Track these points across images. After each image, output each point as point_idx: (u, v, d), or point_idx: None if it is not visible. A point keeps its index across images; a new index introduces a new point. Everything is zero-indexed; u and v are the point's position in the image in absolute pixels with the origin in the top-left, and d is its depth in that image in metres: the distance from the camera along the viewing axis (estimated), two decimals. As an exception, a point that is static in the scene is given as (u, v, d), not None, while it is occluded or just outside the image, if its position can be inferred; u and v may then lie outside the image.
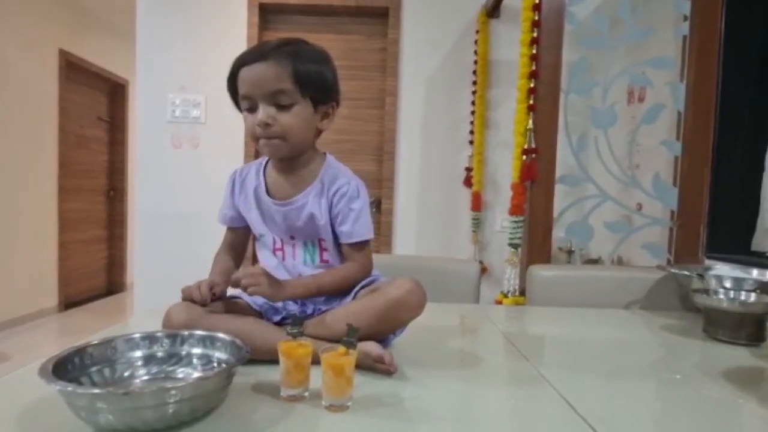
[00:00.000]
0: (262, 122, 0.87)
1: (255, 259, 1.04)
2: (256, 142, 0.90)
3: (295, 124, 0.88)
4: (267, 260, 0.98)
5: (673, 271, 1.46)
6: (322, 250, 0.96)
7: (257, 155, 2.94)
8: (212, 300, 0.86)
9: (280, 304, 0.93)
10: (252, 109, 0.89)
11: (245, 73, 0.88)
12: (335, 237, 0.95)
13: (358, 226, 0.92)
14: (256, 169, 1.00)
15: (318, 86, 0.90)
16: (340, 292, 0.92)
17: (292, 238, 0.96)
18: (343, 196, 0.92)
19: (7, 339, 3.60)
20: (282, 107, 0.87)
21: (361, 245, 0.94)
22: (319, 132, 0.96)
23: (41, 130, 4.12)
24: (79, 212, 4.64)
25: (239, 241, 1.05)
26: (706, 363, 1.01)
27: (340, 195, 0.93)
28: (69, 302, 4.51)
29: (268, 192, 0.96)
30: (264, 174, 0.98)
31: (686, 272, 1.40)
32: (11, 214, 3.84)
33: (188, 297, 0.83)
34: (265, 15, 3.01)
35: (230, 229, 1.04)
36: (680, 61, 1.99)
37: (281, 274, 0.95)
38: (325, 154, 0.98)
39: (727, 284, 1.26)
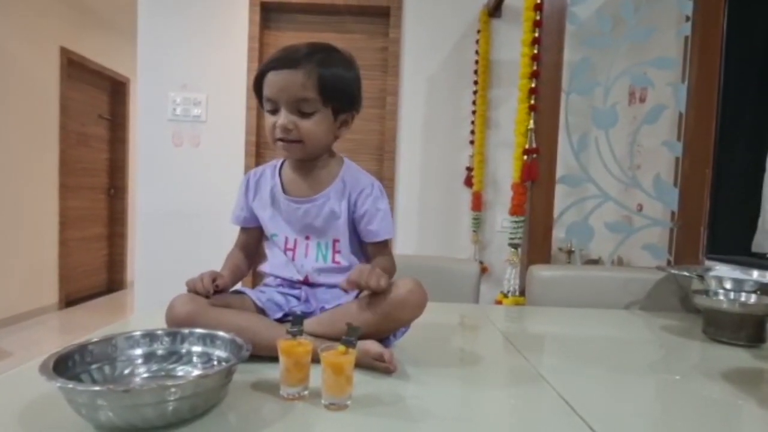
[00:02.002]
0: (283, 127, 0.89)
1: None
2: (275, 143, 0.93)
3: (315, 131, 0.91)
4: (276, 259, 1.00)
5: (673, 272, 1.46)
6: (335, 251, 0.97)
7: (258, 154, 2.95)
8: (215, 292, 0.87)
9: (283, 301, 0.94)
10: (274, 112, 0.91)
11: (273, 77, 0.89)
12: (350, 238, 0.98)
13: (384, 225, 0.97)
14: (271, 170, 1.02)
15: (341, 96, 0.93)
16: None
17: (307, 238, 0.98)
18: (369, 197, 0.96)
19: (8, 336, 3.61)
20: (304, 114, 0.90)
21: (386, 243, 0.99)
22: (336, 139, 0.99)
23: (42, 127, 4.12)
24: (79, 210, 4.64)
25: (251, 242, 1.06)
26: (706, 364, 1.02)
27: (365, 196, 0.96)
28: (69, 300, 4.52)
29: (285, 192, 0.98)
30: (280, 175, 1.00)
31: (686, 273, 1.39)
32: (12, 212, 3.84)
33: (192, 288, 0.85)
34: (267, 14, 3.01)
35: (243, 229, 1.06)
36: (682, 61, 1.99)
37: (290, 273, 0.96)
38: (342, 157, 1.02)
39: (727, 285, 1.26)
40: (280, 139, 0.91)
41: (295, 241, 0.98)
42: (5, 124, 3.75)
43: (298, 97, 0.88)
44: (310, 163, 0.97)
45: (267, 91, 0.90)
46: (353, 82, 0.96)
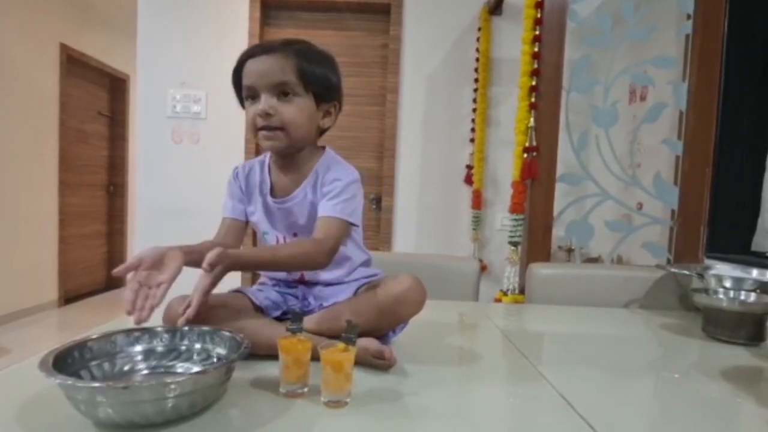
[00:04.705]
0: (263, 111, 0.87)
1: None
2: (256, 134, 0.91)
3: (296, 116, 0.89)
4: None
5: (672, 270, 1.46)
6: None
7: (258, 151, 2.94)
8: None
9: (280, 299, 0.94)
10: (254, 99, 0.90)
11: (251, 64, 0.89)
12: None
13: (331, 204, 0.89)
14: (259, 165, 1.00)
15: (321, 83, 0.92)
16: (297, 269, 0.91)
17: (295, 235, 0.96)
18: (330, 179, 0.91)
19: (7, 333, 3.61)
20: (284, 99, 0.89)
21: (329, 222, 0.88)
22: (320, 130, 0.97)
23: (42, 124, 4.11)
24: (79, 207, 4.64)
25: (231, 240, 0.98)
26: (705, 362, 1.02)
27: (329, 179, 0.91)
28: (69, 297, 4.52)
29: (271, 189, 0.96)
30: (269, 171, 0.98)
31: (686, 272, 1.39)
32: (12, 209, 3.84)
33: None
34: (267, 11, 3.00)
35: (231, 222, 0.99)
36: (683, 60, 1.98)
37: (284, 274, 0.95)
38: (324, 150, 0.98)
39: (727, 284, 1.26)
40: (262, 128, 0.89)
41: (284, 239, 0.96)
42: (5, 121, 3.74)
43: (278, 81, 0.87)
44: (293, 157, 0.94)
45: (246, 79, 0.90)
46: (331, 72, 0.94)
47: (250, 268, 0.81)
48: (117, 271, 0.73)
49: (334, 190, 0.90)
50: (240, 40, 2.91)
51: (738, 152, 1.80)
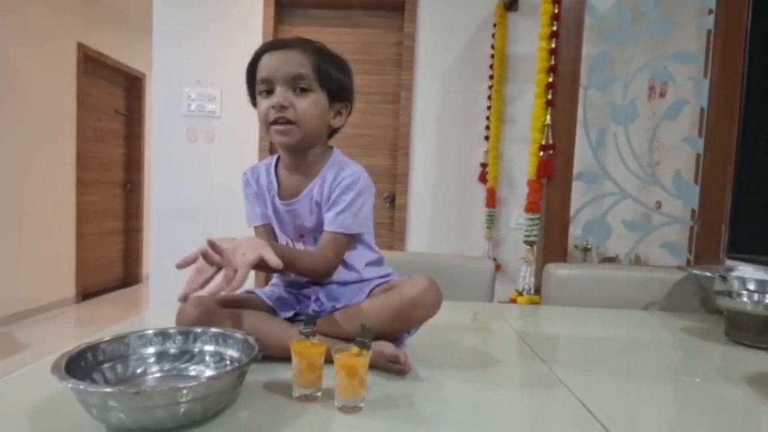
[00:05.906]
0: (279, 103, 0.87)
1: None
2: (268, 128, 0.90)
3: (310, 111, 0.89)
4: None
5: (694, 272, 1.42)
6: None
7: (272, 149, 2.95)
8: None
9: (293, 299, 0.93)
10: (269, 93, 0.89)
11: (267, 58, 0.89)
12: None
13: (342, 218, 0.89)
14: (265, 169, 0.99)
15: (336, 82, 0.92)
16: (304, 276, 0.91)
17: (302, 236, 0.95)
18: (339, 186, 0.90)
19: (26, 329, 3.66)
20: (299, 93, 0.88)
21: (337, 238, 0.89)
22: (330, 129, 0.96)
23: (59, 123, 4.17)
24: (96, 205, 4.70)
25: (274, 237, 0.99)
26: (728, 367, 0.99)
27: (338, 185, 0.90)
28: (86, 293, 4.58)
29: (278, 191, 0.96)
30: (276, 174, 0.97)
31: (708, 273, 1.36)
32: (30, 207, 3.90)
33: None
34: (281, 9, 3.00)
35: (260, 227, 0.99)
36: (704, 55, 1.94)
37: (296, 276, 0.94)
38: (333, 150, 0.97)
39: (751, 286, 1.23)
40: (275, 122, 0.88)
41: (292, 241, 0.96)
42: (23, 120, 3.79)
43: (295, 74, 0.87)
44: (303, 156, 0.93)
45: (261, 72, 0.89)
46: (346, 70, 0.95)
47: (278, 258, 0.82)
48: (178, 264, 0.77)
49: (342, 203, 0.89)
50: (254, 39, 2.91)
51: (761, 150, 1.75)
